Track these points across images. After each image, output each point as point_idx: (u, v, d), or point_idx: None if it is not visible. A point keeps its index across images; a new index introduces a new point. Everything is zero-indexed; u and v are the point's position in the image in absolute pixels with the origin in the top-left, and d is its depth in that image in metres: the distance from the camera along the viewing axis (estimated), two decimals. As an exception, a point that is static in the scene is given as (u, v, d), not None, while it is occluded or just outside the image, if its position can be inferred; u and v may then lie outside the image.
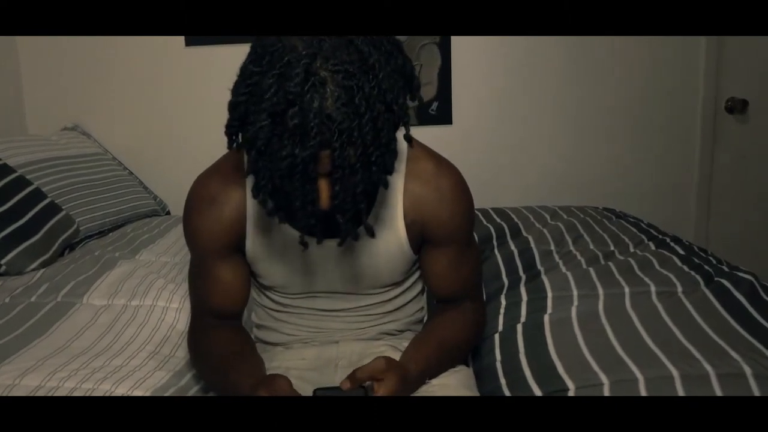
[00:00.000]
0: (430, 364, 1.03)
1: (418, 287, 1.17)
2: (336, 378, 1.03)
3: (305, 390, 0.96)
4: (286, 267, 1.05)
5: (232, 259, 1.05)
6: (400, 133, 0.87)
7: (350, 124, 0.77)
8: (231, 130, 0.83)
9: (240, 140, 0.84)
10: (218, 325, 1.07)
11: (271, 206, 0.87)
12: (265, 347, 1.16)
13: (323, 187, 0.82)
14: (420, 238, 1.06)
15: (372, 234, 0.93)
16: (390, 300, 1.12)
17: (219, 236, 1.02)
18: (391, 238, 1.03)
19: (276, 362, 1.10)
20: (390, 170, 0.86)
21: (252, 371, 0.98)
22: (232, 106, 0.82)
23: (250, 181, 0.94)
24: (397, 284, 1.11)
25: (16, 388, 0.98)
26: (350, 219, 0.86)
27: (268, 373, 1.03)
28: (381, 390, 0.91)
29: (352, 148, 0.79)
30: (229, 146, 0.85)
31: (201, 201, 1.03)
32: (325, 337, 1.12)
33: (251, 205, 1.01)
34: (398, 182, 1.02)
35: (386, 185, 0.89)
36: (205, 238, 1.03)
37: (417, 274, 1.15)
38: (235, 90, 0.81)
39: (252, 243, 1.03)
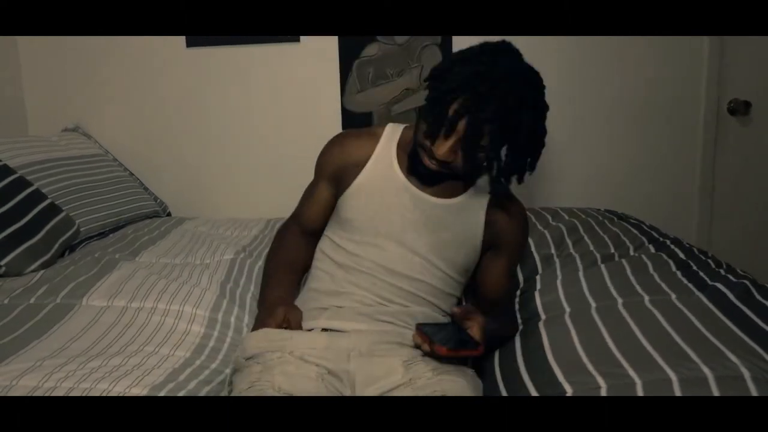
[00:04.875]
0: (494, 333, 1.17)
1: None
2: (349, 367, 1.12)
3: (320, 373, 1.09)
4: (378, 202, 1.27)
5: (331, 190, 1.34)
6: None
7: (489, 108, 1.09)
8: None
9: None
10: (296, 234, 1.40)
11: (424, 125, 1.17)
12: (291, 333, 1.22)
13: (450, 142, 1.13)
14: (489, 243, 1.29)
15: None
16: (423, 306, 1.25)
17: (335, 167, 1.32)
18: (472, 225, 1.27)
19: (293, 349, 1.14)
20: (523, 168, 1.18)
21: (281, 290, 1.32)
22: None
23: (385, 136, 1.32)
24: (436, 297, 1.26)
25: (13, 389, 0.98)
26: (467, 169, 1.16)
27: (288, 353, 1.14)
28: (475, 324, 1.11)
29: (485, 121, 1.09)
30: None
31: (339, 138, 1.36)
32: (371, 299, 1.23)
33: (380, 148, 1.30)
34: (486, 191, 1.30)
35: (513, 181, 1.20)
36: (326, 165, 1.35)
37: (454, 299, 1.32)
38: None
39: (366, 174, 1.29)
